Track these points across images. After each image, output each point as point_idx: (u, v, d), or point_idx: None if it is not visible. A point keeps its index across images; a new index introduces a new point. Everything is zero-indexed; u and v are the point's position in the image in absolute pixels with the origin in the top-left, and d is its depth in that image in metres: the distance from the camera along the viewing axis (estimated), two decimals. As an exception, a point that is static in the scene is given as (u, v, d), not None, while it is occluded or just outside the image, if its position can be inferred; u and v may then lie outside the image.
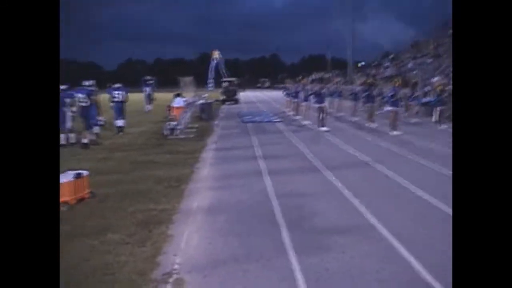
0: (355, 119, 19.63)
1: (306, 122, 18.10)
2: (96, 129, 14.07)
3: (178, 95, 22.80)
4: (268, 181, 8.33)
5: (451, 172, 8.33)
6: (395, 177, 8.44)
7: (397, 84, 15.93)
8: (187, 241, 5.40)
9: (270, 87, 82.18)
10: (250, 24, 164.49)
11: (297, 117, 20.41)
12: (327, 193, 7.43)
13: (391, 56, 45.11)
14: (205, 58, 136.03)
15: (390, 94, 15.65)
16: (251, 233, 5.60)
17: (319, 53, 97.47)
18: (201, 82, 43.05)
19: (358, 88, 21.07)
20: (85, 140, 12.94)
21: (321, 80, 21.52)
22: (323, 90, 16.61)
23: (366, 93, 18.03)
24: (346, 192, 7.42)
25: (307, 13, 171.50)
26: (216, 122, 20.05)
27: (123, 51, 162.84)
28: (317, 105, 16.53)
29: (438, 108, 17.41)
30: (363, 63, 55.84)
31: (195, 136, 15.14)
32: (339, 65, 62.32)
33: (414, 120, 19.04)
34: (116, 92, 16.87)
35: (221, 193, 7.64)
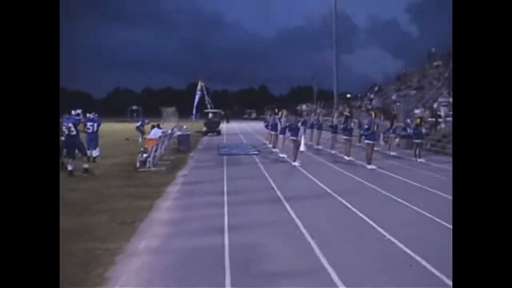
0: (333, 151, 19.43)
1: (282, 155, 17.85)
2: (96, 152, 15.84)
3: (154, 126, 22.53)
4: (225, 219, 7.99)
5: (416, 208, 8.34)
6: (358, 213, 8.17)
7: (373, 117, 15.73)
8: (123, 285, 5.05)
9: (257, 118, 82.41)
10: (240, 55, 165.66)
11: (275, 150, 20.16)
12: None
13: (376, 88, 45.35)
14: (194, 88, 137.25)
15: (366, 127, 15.48)
16: (194, 276, 5.27)
17: (308, 84, 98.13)
18: (189, 112, 43.06)
19: (335, 121, 20.91)
20: (70, 168, 13.13)
21: (298, 112, 21.10)
22: (299, 123, 16.38)
23: (343, 126, 17.85)
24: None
25: (297, 45, 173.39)
26: (192, 154, 19.70)
27: (111, 79, 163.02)
28: (291, 138, 16.34)
29: (416, 141, 17.23)
30: (349, 95, 56.20)
31: (167, 168, 14.80)
32: (327, 96, 62.58)
33: (393, 153, 18.86)
34: (90, 123, 16.58)
35: (174, 229, 7.34)
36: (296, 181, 12.24)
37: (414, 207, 8.67)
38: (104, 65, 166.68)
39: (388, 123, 20.76)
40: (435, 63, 37.62)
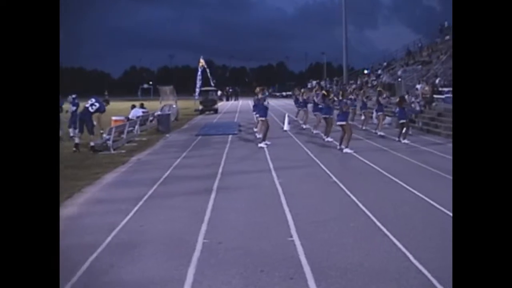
0: (316, 131, 18.31)
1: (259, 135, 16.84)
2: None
3: (134, 106, 21.75)
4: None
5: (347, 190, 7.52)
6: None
7: (342, 95, 14.54)
8: None
9: (269, 95, 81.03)
10: (259, 32, 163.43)
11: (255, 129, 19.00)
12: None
13: (385, 63, 43.59)
14: (209, 65, 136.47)
15: (340, 107, 14.30)
16: None
17: (328, 60, 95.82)
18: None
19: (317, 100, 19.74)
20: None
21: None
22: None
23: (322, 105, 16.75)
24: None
25: (317, 20, 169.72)
26: (168, 135, 18.85)
27: (131, 58, 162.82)
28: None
29: (401, 121, 15.93)
30: (367, 70, 54.21)
31: (127, 151, 14.00)
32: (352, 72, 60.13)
33: (381, 132, 17.63)
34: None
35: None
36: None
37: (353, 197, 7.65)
38: (124, 44, 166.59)
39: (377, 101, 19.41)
40: (447, 37, 35.71)
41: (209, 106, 34.54)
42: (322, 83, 53.73)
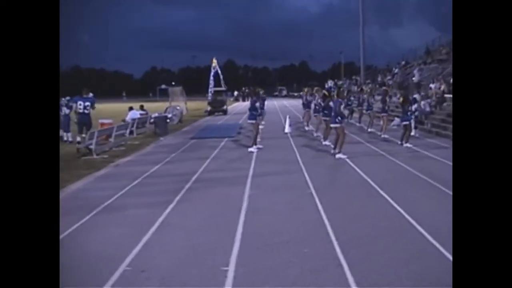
0: (317, 134, 17.34)
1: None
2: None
3: (131, 108, 21.11)
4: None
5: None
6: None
7: (337, 95, 13.39)
8: None
9: (287, 96, 79.96)
10: (282, 31, 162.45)
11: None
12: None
13: (403, 62, 42.14)
14: (231, 66, 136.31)
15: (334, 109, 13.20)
16: None
17: (351, 60, 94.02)
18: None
19: (310, 99, 18.80)
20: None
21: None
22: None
23: (323, 105, 15.78)
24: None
25: (340, 20, 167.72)
26: (162, 138, 18.11)
27: (153, 59, 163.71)
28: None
29: (404, 123, 14.77)
30: (396, 70, 52.61)
31: (111, 156, 13.30)
32: (368, 71, 58.66)
33: (385, 135, 16.53)
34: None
35: None
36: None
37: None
38: (147, 45, 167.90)
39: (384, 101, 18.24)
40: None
41: (217, 107, 33.74)
42: (340, 82, 52.52)
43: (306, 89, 23.76)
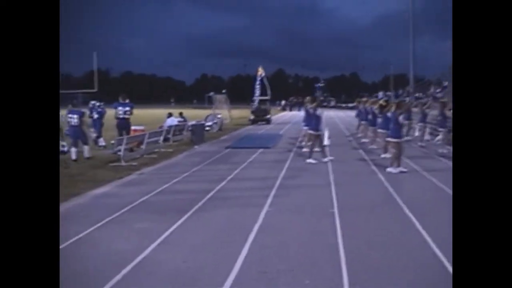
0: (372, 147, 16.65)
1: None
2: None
3: (170, 114, 21.04)
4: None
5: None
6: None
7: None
8: None
9: (335, 107, 78.77)
10: (333, 41, 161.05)
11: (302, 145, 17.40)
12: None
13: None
14: (281, 75, 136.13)
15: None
16: None
17: (403, 72, 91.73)
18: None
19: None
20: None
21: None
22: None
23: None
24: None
25: (392, 31, 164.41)
26: (196, 146, 17.84)
27: (204, 67, 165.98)
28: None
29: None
30: (446, 82, 50.67)
31: (139, 164, 13.10)
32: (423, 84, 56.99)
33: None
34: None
35: None
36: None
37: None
38: (198, 52, 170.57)
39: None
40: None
41: (260, 116, 33.34)
42: (389, 93, 51.15)
43: (365, 99, 23.10)
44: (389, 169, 11.44)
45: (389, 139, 12.24)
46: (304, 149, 15.43)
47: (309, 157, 13.27)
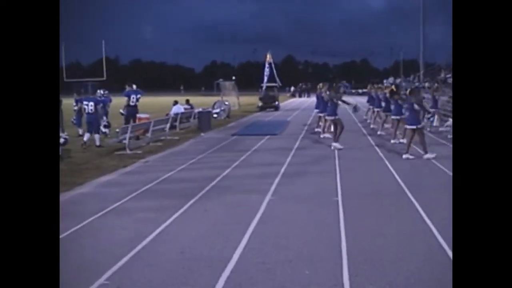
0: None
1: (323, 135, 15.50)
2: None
3: (176, 102, 20.94)
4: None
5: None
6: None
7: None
8: None
9: (345, 93, 78.02)
10: (343, 27, 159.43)
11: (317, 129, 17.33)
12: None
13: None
14: (290, 61, 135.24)
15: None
16: None
17: (414, 57, 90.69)
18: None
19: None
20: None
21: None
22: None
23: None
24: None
25: (403, 16, 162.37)
26: (203, 134, 17.77)
27: (213, 53, 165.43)
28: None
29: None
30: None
31: (144, 152, 13.06)
32: (432, 70, 56.46)
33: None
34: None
35: None
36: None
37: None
38: (208, 39, 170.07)
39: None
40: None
41: (269, 103, 33.19)
42: (398, 80, 50.59)
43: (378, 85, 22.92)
44: (426, 156, 11.19)
45: (407, 126, 12.07)
46: (325, 135, 15.52)
47: (335, 141, 13.25)
